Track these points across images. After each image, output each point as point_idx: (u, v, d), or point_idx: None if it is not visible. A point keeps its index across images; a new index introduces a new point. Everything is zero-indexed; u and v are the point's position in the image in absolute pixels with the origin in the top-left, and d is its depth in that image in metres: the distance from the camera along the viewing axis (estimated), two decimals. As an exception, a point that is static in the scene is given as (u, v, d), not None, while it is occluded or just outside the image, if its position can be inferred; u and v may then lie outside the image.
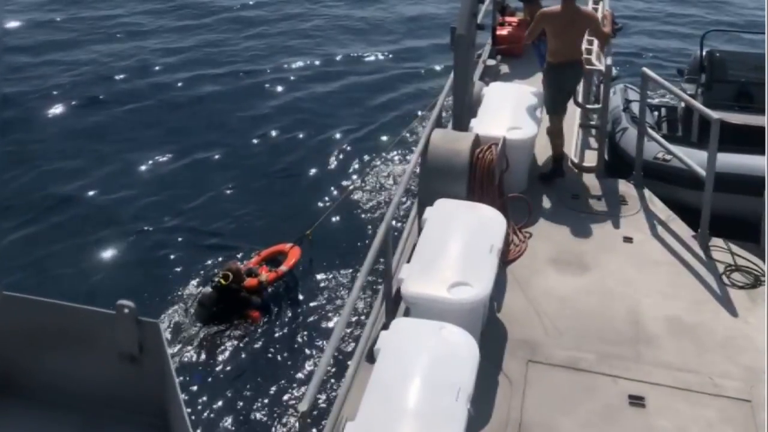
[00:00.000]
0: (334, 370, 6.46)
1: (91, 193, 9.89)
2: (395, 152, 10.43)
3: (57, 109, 11.92)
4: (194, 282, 8.25)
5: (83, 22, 15.13)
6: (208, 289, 7.76)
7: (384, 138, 11.18)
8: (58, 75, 12.94)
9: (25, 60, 13.37)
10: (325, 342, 6.76)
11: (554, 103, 7.22)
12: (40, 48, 14.00)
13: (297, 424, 3.78)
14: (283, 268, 8.22)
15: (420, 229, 5.70)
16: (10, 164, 10.19)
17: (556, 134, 7.25)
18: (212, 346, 7.43)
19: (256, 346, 7.50)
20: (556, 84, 7.14)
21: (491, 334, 5.28)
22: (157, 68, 13.36)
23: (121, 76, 13.01)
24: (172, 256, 8.74)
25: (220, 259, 8.56)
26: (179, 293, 8.07)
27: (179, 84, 12.86)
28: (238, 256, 8.60)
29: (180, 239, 9.06)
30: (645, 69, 6.88)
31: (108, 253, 8.81)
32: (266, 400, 6.85)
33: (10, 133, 10.84)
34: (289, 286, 8.32)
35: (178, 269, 8.51)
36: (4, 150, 10.43)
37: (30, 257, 8.51)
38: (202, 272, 8.41)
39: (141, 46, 14.23)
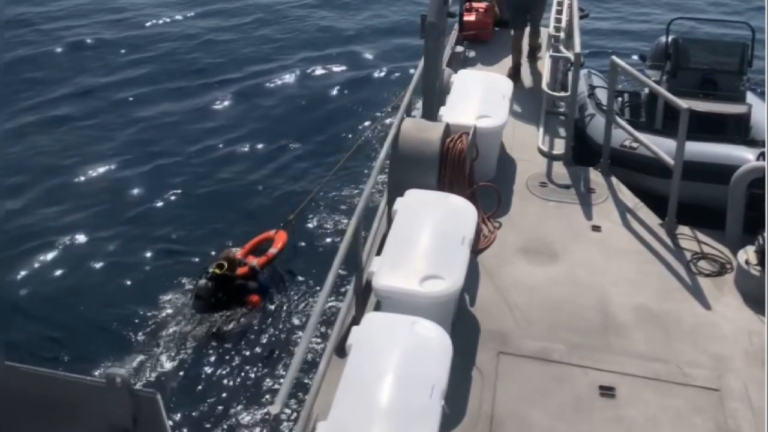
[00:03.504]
0: (306, 365, 6.40)
1: (77, 198, 9.68)
2: (368, 141, 10.34)
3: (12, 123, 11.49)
4: (187, 277, 8.15)
5: (37, 32, 14.59)
6: (203, 280, 7.62)
7: (355, 128, 11.13)
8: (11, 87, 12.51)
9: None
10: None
11: (512, 19, 9.01)
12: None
13: (269, 426, 3.68)
14: (273, 250, 8.22)
15: (390, 220, 5.63)
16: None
17: (514, 46, 8.83)
18: (212, 338, 7.38)
19: (253, 334, 7.46)
20: (513, 2, 8.90)
21: (461, 325, 5.25)
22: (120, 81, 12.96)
23: (77, 88, 12.57)
24: (158, 259, 8.62)
25: (208, 253, 8.48)
26: (173, 291, 7.97)
27: (142, 92, 12.49)
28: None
29: (162, 241, 8.93)
30: (614, 57, 6.88)
31: (98, 259, 8.63)
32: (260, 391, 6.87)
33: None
34: (281, 269, 8.31)
35: (167, 270, 8.39)
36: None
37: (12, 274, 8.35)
38: (192, 268, 8.32)
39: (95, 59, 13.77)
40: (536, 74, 8.74)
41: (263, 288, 7.84)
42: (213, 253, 8.40)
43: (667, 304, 5.53)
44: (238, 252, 8.22)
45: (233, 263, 7.72)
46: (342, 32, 15.10)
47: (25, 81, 12.59)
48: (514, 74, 8.76)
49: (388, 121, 10.24)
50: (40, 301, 8.02)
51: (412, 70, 12.79)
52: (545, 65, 8.21)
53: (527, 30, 9.13)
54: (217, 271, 7.56)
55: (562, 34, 8.26)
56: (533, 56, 9.42)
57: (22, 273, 8.36)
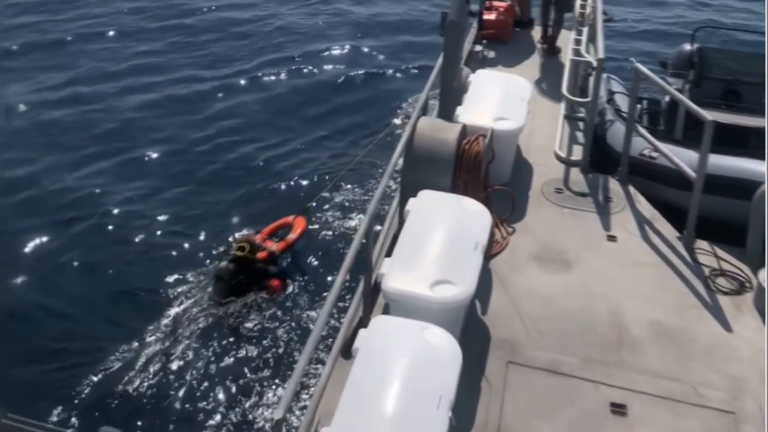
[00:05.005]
0: (310, 367, 6.30)
1: (97, 189, 9.68)
2: (388, 136, 10.28)
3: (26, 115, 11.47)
4: (205, 259, 8.24)
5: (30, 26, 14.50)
6: (224, 262, 7.61)
7: (374, 122, 11.11)
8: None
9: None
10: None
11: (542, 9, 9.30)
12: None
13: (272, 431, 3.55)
14: (292, 236, 8.22)
15: (401, 221, 5.49)
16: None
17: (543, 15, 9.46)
18: (224, 327, 7.36)
19: (263, 325, 7.43)
20: None
21: (470, 332, 5.11)
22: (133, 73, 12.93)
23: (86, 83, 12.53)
24: (172, 240, 8.66)
25: (224, 236, 8.58)
26: (191, 273, 8.02)
27: (160, 80, 12.54)
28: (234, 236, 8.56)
29: (177, 224, 8.99)
30: (637, 64, 6.69)
31: (113, 237, 8.75)
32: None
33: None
34: (301, 254, 8.31)
35: (182, 251, 8.47)
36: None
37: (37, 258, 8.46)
38: (207, 250, 8.41)
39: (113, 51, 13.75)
40: (556, 77, 8.58)
41: (282, 273, 7.82)
42: (224, 236, 8.50)
43: (683, 321, 5.37)
44: (256, 236, 8.22)
45: (254, 247, 7.70)
46: (361, 25, 15.07)
47: (40, 67, 12.68)
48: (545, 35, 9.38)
49: (402, 121, 10.21)
50: (53, 277, 8.09)
51: (413, 65, 12.93)
52: (565, 69, 8.05)
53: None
54: (239, 253, 7.53)
55: (584, 37, 8.09)
56: (552, 52, 9.33)
57: (38, 251, 8.45)
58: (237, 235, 8.53)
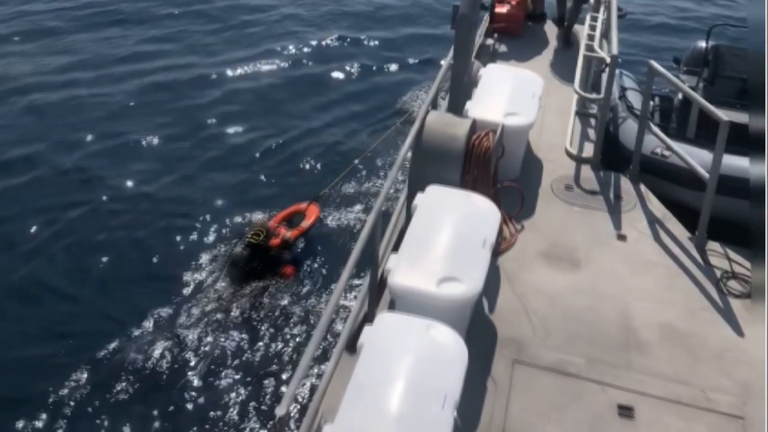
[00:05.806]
0: (315, 361, 6.27)
1: (108, 173, 9.72)
2: (393, 132, 10.24)
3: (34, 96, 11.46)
4: (217, 245, 8.27)
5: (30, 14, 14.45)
6: (239, 248, 7.65)
7: (376, 119, 11.07)
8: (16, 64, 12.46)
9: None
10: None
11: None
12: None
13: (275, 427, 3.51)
14: (306, 223, 8.24)
15: (408, 216, 5.42)
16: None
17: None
18: (234, 315, 7.35)
19: (271, 315, 7.41)
20: None
21: (476, 329, 5.05)
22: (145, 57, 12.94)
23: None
24: (184, 224, 8.69)
25: (235, 222, 8.62)
26: (202, 259, 8.04)
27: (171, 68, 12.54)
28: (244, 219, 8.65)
29: (189, 208, 9.01)
30: (652, 62, 6.58)
31: (121, 228, 8.71)
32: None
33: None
34: (313, 242, 8.33)
35: (192, 237, 8.48)
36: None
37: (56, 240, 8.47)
38: (219, 236, 8.44)
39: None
40: (568, 73, 8.48)
41: (296, 260, 7.83)
42: (233, 222, 8.52)
43: (693, 324, 5.29)
44: (269, 222, 8.24)
45: (268, 233, 7.73)
46: (366, 17, 15.02)
47: (43, 52, 12.71)
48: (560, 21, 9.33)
49: (409, 114, 10.19)
50: (58, 260, 8.12)
51: (419, 58, 12.79)
52: (578, 64, 7.95)
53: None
54: (254, 239, 7.53)
55: (597, 33, 7.98)
56: (567, 43, 9.22)
57: (42, 233, 8.44)
58: (247, 219, 8.55)
